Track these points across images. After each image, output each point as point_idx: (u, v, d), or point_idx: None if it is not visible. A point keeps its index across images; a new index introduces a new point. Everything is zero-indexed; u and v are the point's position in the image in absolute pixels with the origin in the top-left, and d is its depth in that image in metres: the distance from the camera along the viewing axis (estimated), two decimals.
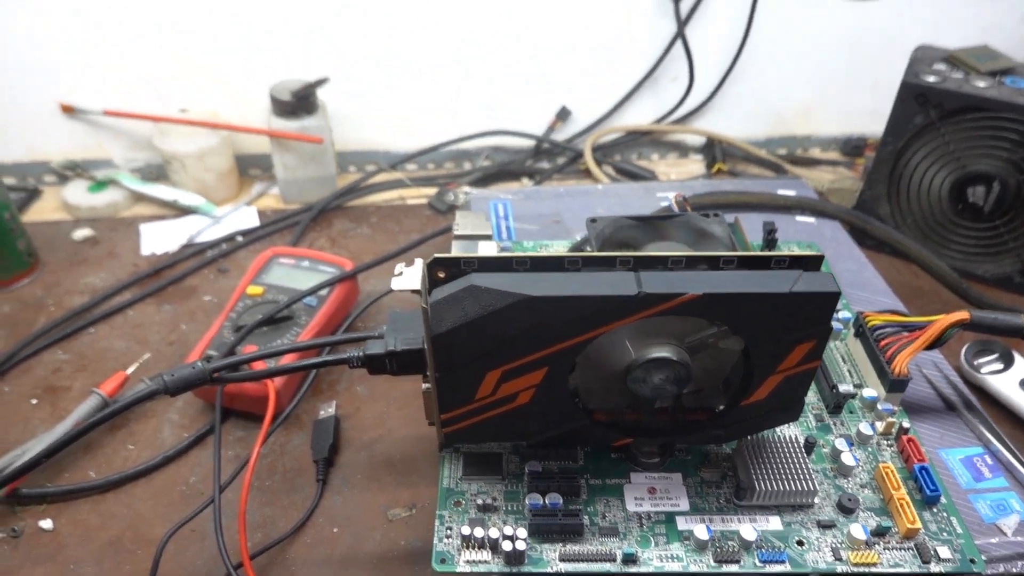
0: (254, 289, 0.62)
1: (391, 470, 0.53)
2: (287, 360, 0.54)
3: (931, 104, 0.66)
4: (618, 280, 0.36)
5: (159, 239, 0.75)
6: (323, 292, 0.61)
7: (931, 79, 0.66)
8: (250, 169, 0.86)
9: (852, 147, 0.91)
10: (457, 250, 0.55)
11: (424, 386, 0.42)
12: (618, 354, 0.40)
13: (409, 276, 0.38)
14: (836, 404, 0.47)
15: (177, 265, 0.72)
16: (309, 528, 0.49)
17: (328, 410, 0.56)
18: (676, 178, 0.87)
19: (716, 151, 0.86)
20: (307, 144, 0.77)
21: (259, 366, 0.47)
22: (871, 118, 0.91)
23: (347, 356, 0.42)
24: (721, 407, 0.43)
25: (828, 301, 0.36)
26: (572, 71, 0.84)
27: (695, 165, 0.90)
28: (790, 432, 0.44)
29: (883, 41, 0.85)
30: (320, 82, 0.75)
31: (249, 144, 0.84)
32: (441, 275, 0.37)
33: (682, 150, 0.91)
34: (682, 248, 0.51)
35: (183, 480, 0.53)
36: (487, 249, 0.54)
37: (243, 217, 0.78)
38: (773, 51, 0.85)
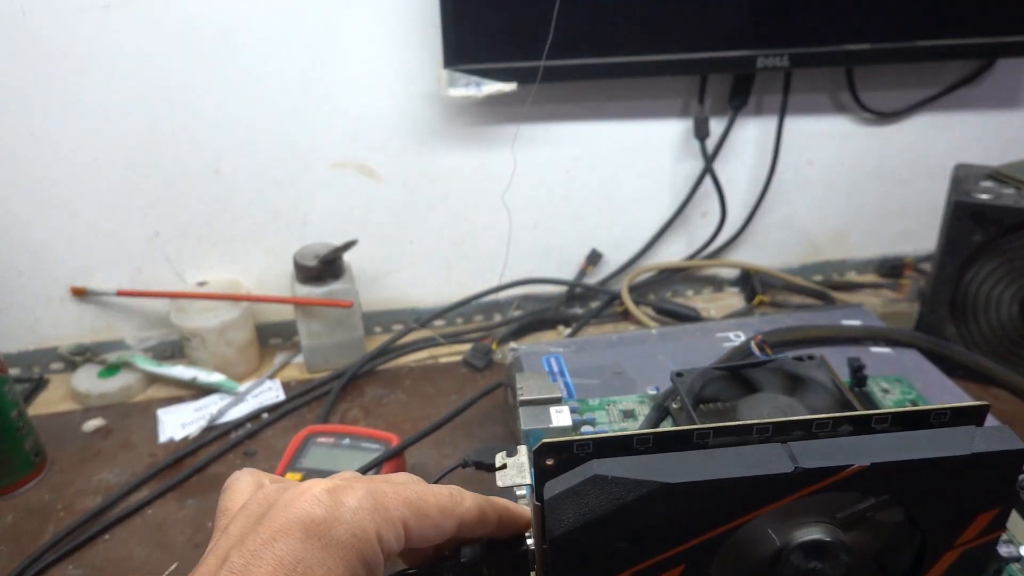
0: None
1: None
2: None
3: (989, 221, 0.64)
4: (766, 455, 0.30)
5: (178, 424, 0.69)
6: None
7: (984, 196, 0.64)
8: (270, 339, 0.81)
9: (889, 267, 0.88)
10: (526, 418, 0.50)
11: None
12: (759, 540, 0.34)
13: (515, 468, 0.32)
14: (996, 571, 0.40)
15: (199, 452, 0.66)
16: None
17: None
18: (716, 313, 0.83)
19: (755, 283, 0.83)
20: (334, 309, 0.73)
21: None
22: (905, 238, 0.89)
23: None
24: None
25: (1014, 460, 0.30)
26: (601, 215, 0.82)
27: (733, 298, 0.87)
28: None
29: (908, 163, 0.85)
30: (349, 245, 0.72)
31: (269, 313, 0.80)
32: (550, 463, 0.32)
33: (717, 284, 0.88)
34: (786, 400, 0.46)
35: None
36: (561, 416, 0.49)
37: (267, 391, 0.73)
38: (801, 180, 0.84)
